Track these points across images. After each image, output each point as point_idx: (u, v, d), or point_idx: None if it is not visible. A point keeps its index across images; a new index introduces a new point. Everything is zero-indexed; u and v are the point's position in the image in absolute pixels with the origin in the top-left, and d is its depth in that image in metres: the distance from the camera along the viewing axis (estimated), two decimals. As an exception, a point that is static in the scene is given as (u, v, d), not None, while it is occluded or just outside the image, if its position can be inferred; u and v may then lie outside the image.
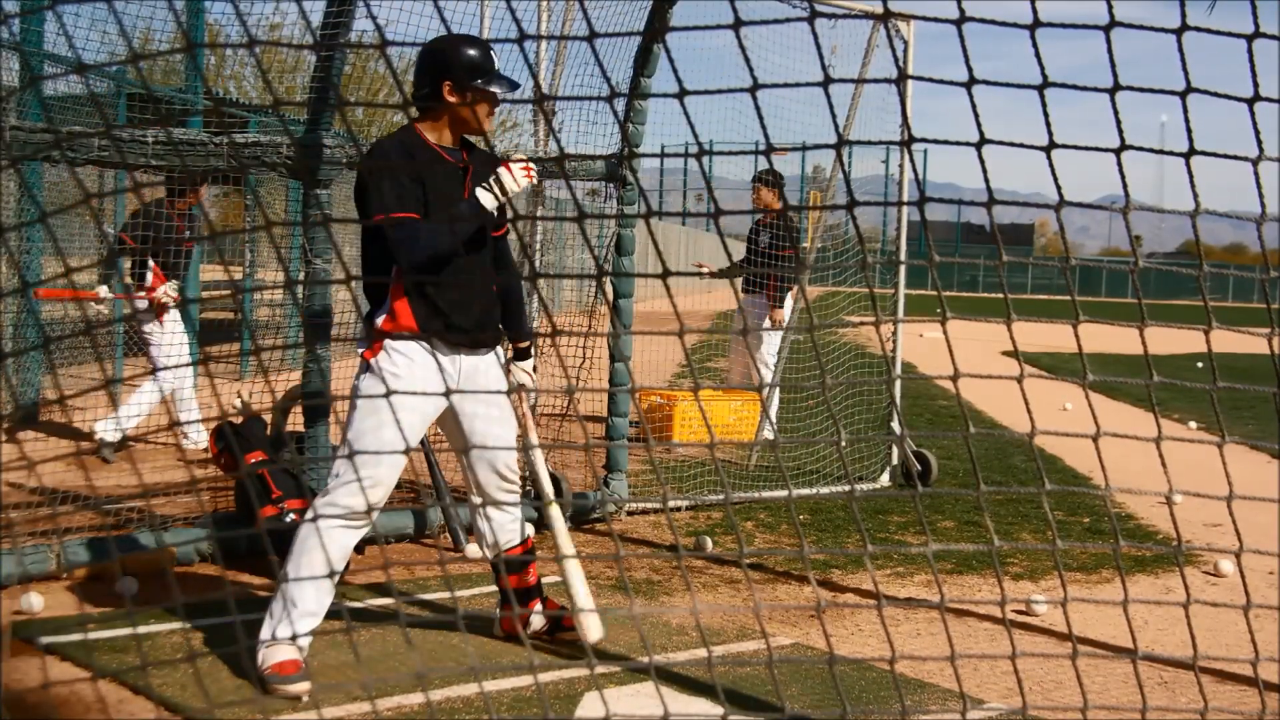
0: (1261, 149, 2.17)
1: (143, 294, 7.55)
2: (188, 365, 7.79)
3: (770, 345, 9.07)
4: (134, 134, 4.89)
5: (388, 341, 3.95)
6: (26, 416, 8.13)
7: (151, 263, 7.52)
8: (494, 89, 3.99)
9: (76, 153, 4.73)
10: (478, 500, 4.21)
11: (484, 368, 4.12)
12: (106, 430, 7.31)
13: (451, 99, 3.96)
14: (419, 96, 4.01)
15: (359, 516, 3.85)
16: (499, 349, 4.26)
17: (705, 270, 9.51)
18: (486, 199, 3.92)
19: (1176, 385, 2.22)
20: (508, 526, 4.26)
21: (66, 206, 8.42)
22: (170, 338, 7.54)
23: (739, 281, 9.65)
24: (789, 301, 9.34)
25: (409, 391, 3.81)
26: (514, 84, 4.09)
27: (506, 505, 4.21)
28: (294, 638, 3.79)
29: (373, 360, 3.95)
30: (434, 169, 4.00)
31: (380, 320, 3.98)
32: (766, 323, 9.06)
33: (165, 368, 7.67)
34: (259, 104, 13.73)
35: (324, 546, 3.83)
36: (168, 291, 7.73)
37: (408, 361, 3.92)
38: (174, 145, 4.91)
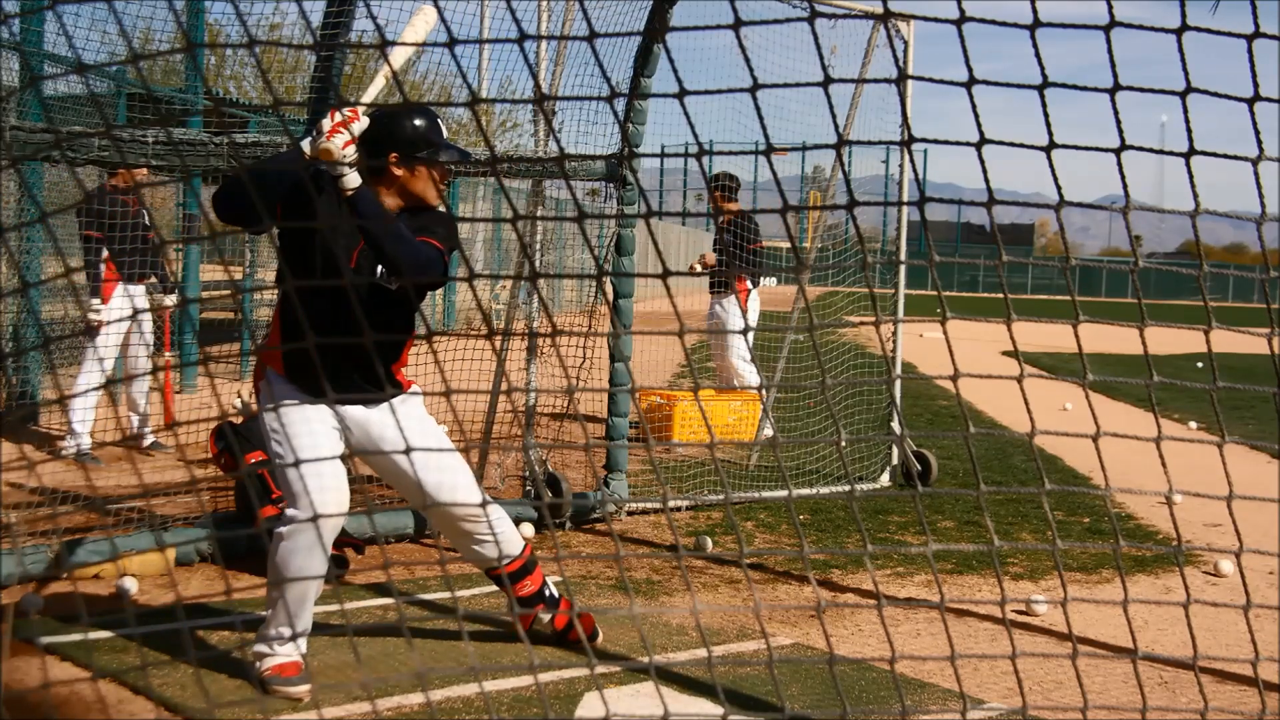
0: (1261, 149, 2.17)
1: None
2: (143, 348, 7.78)
3: (740, 347, 9.18)
4: (134, 134, 4.89)
5: (269, 370, 3.93)
6: (27, 416, 8.13)
7: (105, 252, 7.47)
8: (442, 158, 3.91)
9: (76, 153, 4.74)
10: (446, 540, 4.14)
11: (374, 418, 3.97)
12: (73, 446, 7.23)
13: (398, 171, 3.88)
14: (371, 163, 3.87)
15: (323, 519, 3.75)
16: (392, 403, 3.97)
17: (701, 267, 9.66)
18: (305, 145, 3.68)
19: (1176, 385, 2.22)
20: (488, 549, 4.12)
21: (66, 206, 8.42)
22: (113, 314, 7.47)
23: (706, 282, 9.85)
24: (753, 304, 9.48)
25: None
26: (464, 154, 4.01)
27: (476, 534, 4.08)
28: (294, 638, 3.79)
29: (262, 384, 3.93)
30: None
31: (265, 342, 3.98)
32: (733, 324, 9.18)
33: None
34: (259, 104, 13.72)
35: (298, 552, 3.75)
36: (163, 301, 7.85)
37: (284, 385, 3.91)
38: (174, 145, 4.91)
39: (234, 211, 3.76)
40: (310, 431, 3.81)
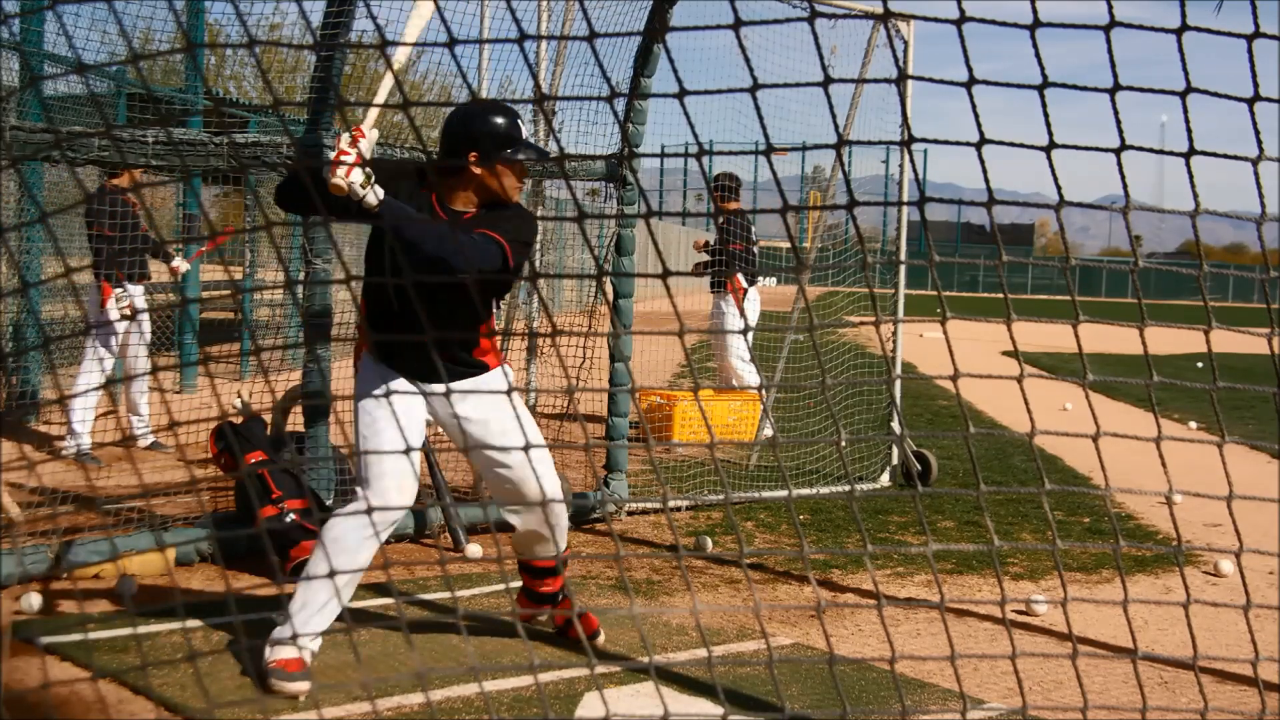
0: (1261, 149, 2.17)
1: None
2: (140, 349, 7.78)
3: (739, 347, 9.19)
4: (134, 134, 4.89)
5: (365, 353, 4.05)
6: (26, 416, 8.14)
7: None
8: (521, 156, 3.92)
9: (76, 153, 4.74)
10: (517, 508, 4.14)
11: (455, 397, 3.98)
12: (73, 446, 7.20)
13: (476, 170, 3.88)
14: (451, 162, 3.91)
15: (382, 517, 3.79)
16: (475, 380, 4.04)
17: (702, 250, 9.69)
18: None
19: (1176, 385, 2.22)
20: (539, 539, 4.17)
21: (66, 206, 8.43)
22: (112, 313, 7.45)
23: (706, 281, 9.89)
24: (753, 303, 9.51)
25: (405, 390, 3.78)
26: (543, 153, 4.05)
27: (550, 522, 4.11)
28: (314, 634, 3.79)
29: (360, 364, 4.04)
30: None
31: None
32: (730, 323, 9.20)
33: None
34: (259, 104, 13.72)
35: (350, 531, 3.79)
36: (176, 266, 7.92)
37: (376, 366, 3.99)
38: (174, 145, 4.91)
39: (294, 206, 3.88)
40: (385, 422, 3.85)
